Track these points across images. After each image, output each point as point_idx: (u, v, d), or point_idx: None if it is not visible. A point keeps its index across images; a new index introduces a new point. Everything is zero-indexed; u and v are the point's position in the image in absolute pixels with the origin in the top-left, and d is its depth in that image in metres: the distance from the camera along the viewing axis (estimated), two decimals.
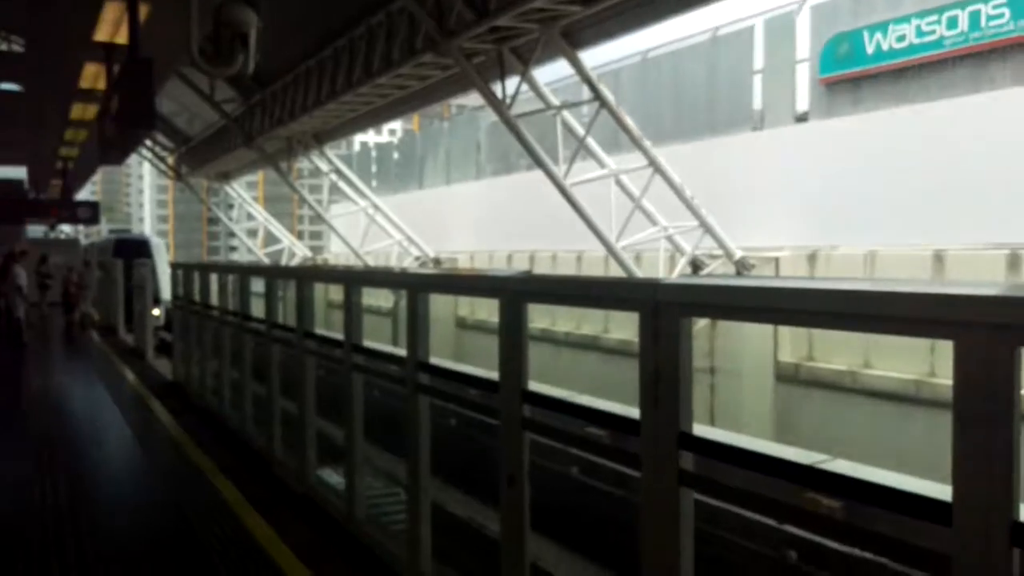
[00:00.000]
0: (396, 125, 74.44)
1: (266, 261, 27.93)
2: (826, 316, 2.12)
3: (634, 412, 2.87)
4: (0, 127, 18.60)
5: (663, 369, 2.59)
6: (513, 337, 3.37)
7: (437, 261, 23.42)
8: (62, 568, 4.88)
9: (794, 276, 14.11)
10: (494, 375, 3.54)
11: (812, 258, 14.34)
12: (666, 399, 2.59)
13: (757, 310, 2.52)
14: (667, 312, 2.58)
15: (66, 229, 36.00)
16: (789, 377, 14.16)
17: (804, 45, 16.87)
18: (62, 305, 21.41)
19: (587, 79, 12.66)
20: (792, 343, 14.23)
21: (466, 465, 6.01)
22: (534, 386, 3.36)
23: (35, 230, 30.80)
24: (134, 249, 25.56)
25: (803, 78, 16.92)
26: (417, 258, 23.41)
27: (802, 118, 16.98)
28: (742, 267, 14.10)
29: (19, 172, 27.41)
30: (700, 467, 2.63)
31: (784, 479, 2.31)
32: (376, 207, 23.43)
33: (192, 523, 5.46)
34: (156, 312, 11.45)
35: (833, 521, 2.22)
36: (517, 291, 3.35)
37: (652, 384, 2.62)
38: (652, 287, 2.63)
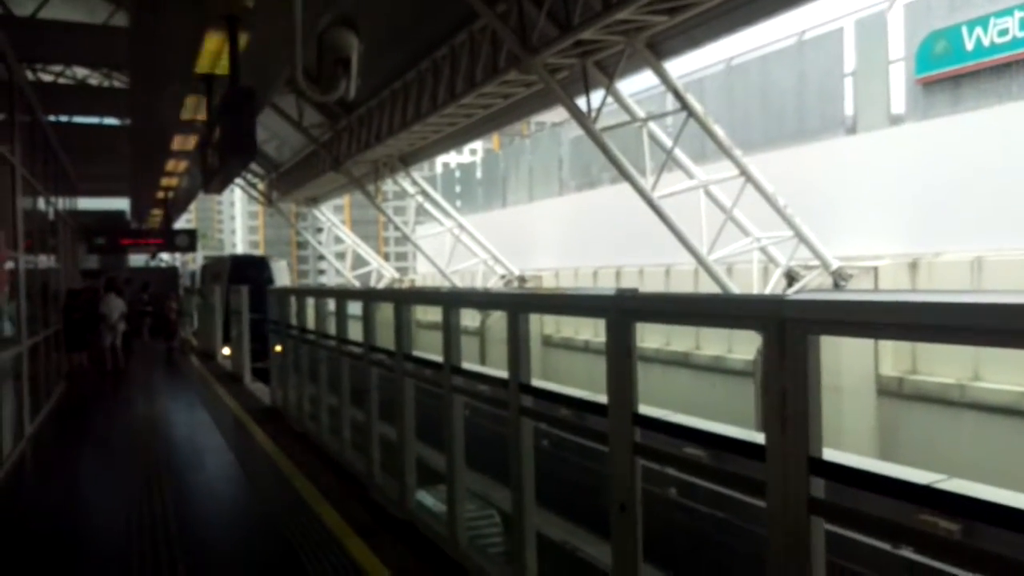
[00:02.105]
0: (477, 145, 75.30)
1: (355, 283, 28.42)
2: (987, 333, 1.95)
3: (756, 436, 2.73)
4: (106, 160, 19.47)
5: (790, 390, 2.45)
6: (621, 358, 3.26)
7: (522, 279, 23.40)
8: None
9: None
10: (601, 397, 3.44)
11: (914, 266, 13.76)
12: (795, 422, 2.44)
13: (896, 327, 2.35)
14: (794, 330, 2.44)
15: (165, 257, 37.38)
16: (892, 391, 13.59)
17: (898, 44, 16.29)
18: (162, 332, 22.14)
19: (674, 89, 12.47)
20: (894, 355, 13.66)
21: (556, 485, 5.87)
22: (645, 409, 3.24)
23: (136, 259, 32.03)
24: (252, 269, 24.16)
25: (898, 79, 16.33)
26: (502, 276, 23.44)
27: (897, 120, 16.37)
28: (839, 278, 13.63)
29: (122, 203, 28.59)
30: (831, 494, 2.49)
31: (935, 509, 2.13)
32: (461, 226, 23.59)
33: (295, 548, 5.48)
34: (279, 348, 10.95)
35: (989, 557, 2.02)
36: (625, 310, 3.24)
37: (779, 406, 2.48)
38: (777, 303, 2.49)
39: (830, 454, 2.46)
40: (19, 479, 8.21)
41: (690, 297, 4.27)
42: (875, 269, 13.82)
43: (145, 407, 12.92)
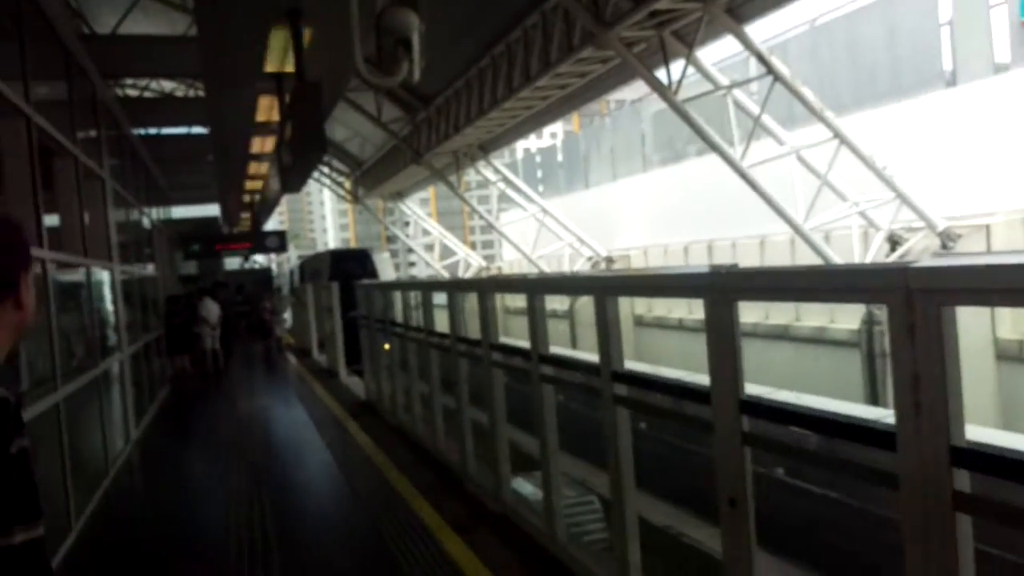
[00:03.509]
0: (556, 128, 74.78)
1: (444, 274, 28.53)
2: None
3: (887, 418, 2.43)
4: (195, 169, 19.99)
5: (924, 370, 2.14)
6: (725, 340, 2.98)
7: (610, 260, 23.03)
8: None
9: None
10: (703, 379, 3.17)
11: None
12: (931, 406, 2.13)
13: None
14: (923, 301, 2.13)
15: (259, 259, 38.34)
16: (1013, 356, 12.77)
17: None
18: (258, 331, 22.64)
19: (757, 53, 11.93)
20: (1013, 317, 12.82)
21: (655, 464, 5.59)
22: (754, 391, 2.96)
23: (231, 262, 32.90)
24: (354, 263, 22.67)
25: (1000, 24, 15.28)
26: (589, 258, 23.12)
27: (1002, 69, 15.33)
28: (947, 239, 12.87)
29: (213, 210, 29.38)
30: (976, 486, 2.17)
31: None
32: (544, 211, 23.36)
33: (389, 546, 5.38)
34: (387, 346, 10.12)
35: None
36: (726, 288, 2.96)
37: (910, 388, 2.17)
38: (901, 272, 2.18)
39: (979, 433, 2.15)
40: (126, 481, 8.41)
41: (797, 271, 3.93)
42: (987, 227, 12.99)
43: (244, 406, 13.16)
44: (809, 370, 15.89)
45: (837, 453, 2.77)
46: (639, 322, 22.73)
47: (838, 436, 2.53)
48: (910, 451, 2.19)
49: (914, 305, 2.14)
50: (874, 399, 12.88)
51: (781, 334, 16.75)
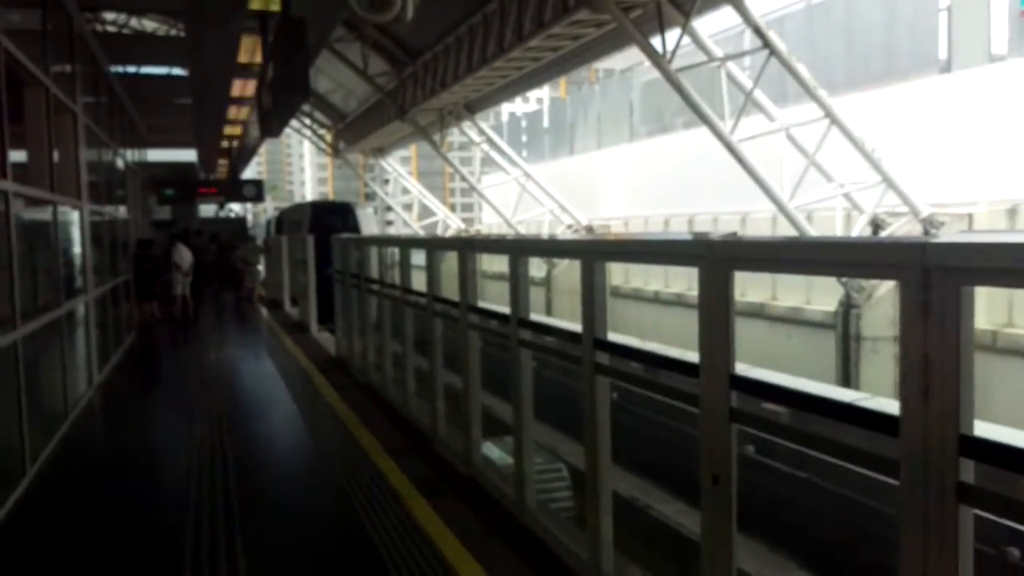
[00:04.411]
0: (543, 94, 74.17)
1: (422, 234, 28.25)
2: None
3: (888, 405, 2.30)
4: (173, 112, 19.48)
5: (935, 353, 2.01)
6: (718, 311, 2.84)
7: (590, 229, 22.88)
8: (227, 532, 4.85)
9: None
10: (692, 356, 3.03)
11: (1013, 212, 12.85)
12: (940, 391, 2.00)
13: None
14: (941, 280, 1.99)
15: (235, 208, 37.79)
16: (985, 346, 12.80)
17: None
18: (231, 281, 22.32)
19: (755, 26, 11.72)
20: (987, 308, 12.84)
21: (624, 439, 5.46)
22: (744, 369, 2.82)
23: (206, 209, 32.35)
24: (336, 217, 21.62)
25: (999, 12, 15.14)
26: (569, 226, 22.95)
27: (998, 58, 15.22)
28: (930, 225, 12.82)
29: (190, 155, 28.80)
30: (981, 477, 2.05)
31: None
32: (527, 175, 23.11)
33: (354, 506, 5.24)
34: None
35: None
36: (723, 257, 2.81)
37: (920, 372, 2.04)
38: (919, 248, 2.03)
39: (984, 429, 2.03)
40: (86, 426, 8.20)
41: (802, 242, 3.79)
42: (969, 216, 12.96)
43: (211, 355, 12.94)
44: (781, 349, 15.89)
45: (828, 436, 2.64)
46: (614, 293, 22.66)
47: (837, 418, 2.40)
48: (914, 438, 2.07)
49: (931, 283, 2.01)
50: (846, 382, 12.89)
51: (756, 312, 16.72)
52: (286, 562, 4.47)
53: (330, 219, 21.13)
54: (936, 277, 2.00)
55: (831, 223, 13.53)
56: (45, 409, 7.38)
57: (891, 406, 2.19)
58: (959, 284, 1.97)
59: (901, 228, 13.06)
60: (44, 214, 7.98)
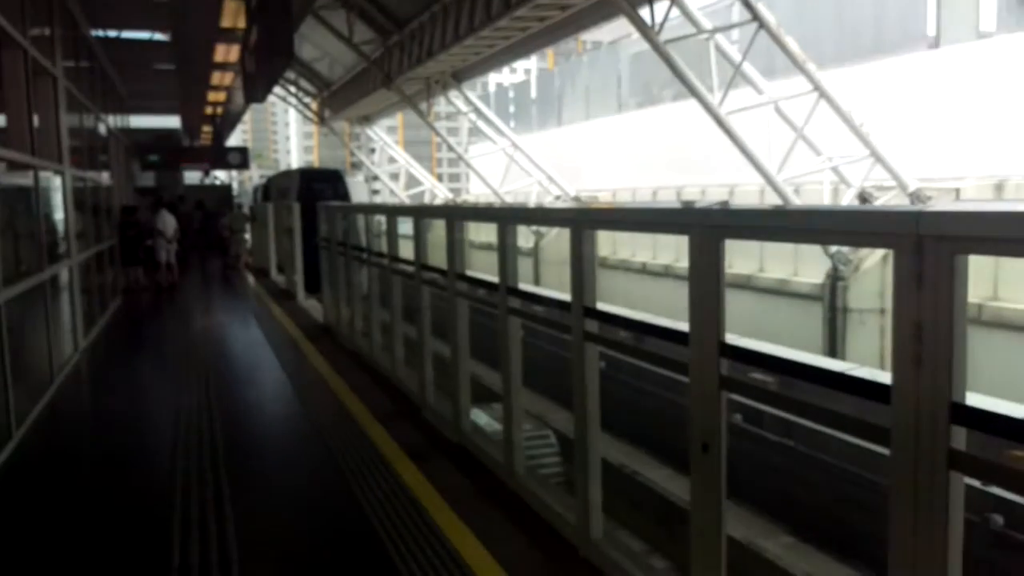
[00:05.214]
0: (530, 64, 73.70)
1: (408, 203, 28.11)
2: None
3: (881, 375, 2.32)
4: (156, 78, 19.19)
5: (928, 321, 2.02)
6: (708, 280, 2.84)
7: (577, 200, 22.86)
8: (215, 496, 4.85)
9: None
10: (682, 325, 3.03)
11: (999, 188, 12.90)
12: (933, 360, 2.02)
13: None
14: (935, 249, 1.99)
15: (220, 175, 37.43)
16: (970, 319, 12.88)
17: None
18: (216, 248, 22.18)
19: None
20: (972, 280, 12.90)
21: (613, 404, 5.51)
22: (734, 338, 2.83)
23: (191, 177, 32.05)
24: (325, 185, 21.14)
25: None
26: (557, 197, 22.91)
27: (987, 34, 15.22)
28: (917, 199, 12.87)
29: (174, 122, 28.47)
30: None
31: None
32: (515, 146, 23.01)
33: (343, 471, 5.25)
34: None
35: None
36: (714, 226, 2.81)
37: (913, 340, 2.05)
38: (913, 217, 2.04)
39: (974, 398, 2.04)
40: (72, 391, 8.17)
41: (796, 210, 3.79)
42: (957, 191, 13.02)
43: (198, 321, 12.89)
44: (768, 321, 15.97)
45: (818, 403, 2.66)
46: (602, 264, 22.67)
47: (829, 386, 2.42)
48: (906, 405, 2.08)
49: (924, 252, 2.01)
50: (832, 353, 12.99)
51: (743, 284, 16.78)
52: (274, 525, 4.49)
53: (319, 186, 20.73)
54: (930, 246, 2.01)
55: (818, 196, 13.56)
56: (30, 373, 7.33)
57: (881, 375, 2.21)
58: (953, 253, 1.98)
59: (889, 202, 13.10)
60: (25, 179, 7.88)
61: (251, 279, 18.89)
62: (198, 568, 3.84)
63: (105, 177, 14.86)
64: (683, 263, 2.98)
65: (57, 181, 9.43)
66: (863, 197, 13.18)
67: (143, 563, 3.97)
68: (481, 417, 6.30)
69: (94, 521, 4.61)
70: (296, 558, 4.07)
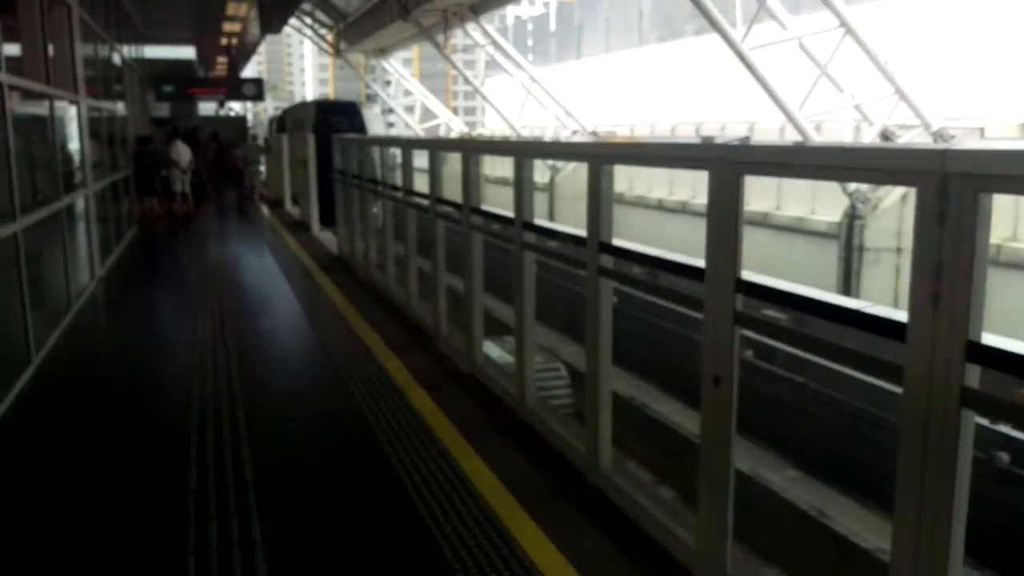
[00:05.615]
0: None
1: (423, 136, 27.89)
2: None
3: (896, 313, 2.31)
4: (171, 7, 18.93)
5: (949, 260, 1.99)
6: (727, 216, 2.81)
7: (595, 135, 22.60)
8: (231, 421, 4.93)
9: None
10: (698, 262, 3.02)
11: None
12: (951, 298, 2.00)
13: None
14: (959, 187, 1.96)
15: (235, 107, 37.21)
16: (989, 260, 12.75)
17: None
18: (231, 179, 22.15)
19: None
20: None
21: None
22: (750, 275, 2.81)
23: (206, 108, 31.86)
24: (341, 117, 20.73)
25: None
26: (574, 132, 22.65)
27: None
28: (940, 138, 12.65)
29: (189, 52, 28.17)
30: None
31: None
32: (532, 79, 22.68)
33: (357, 401, 5.32)
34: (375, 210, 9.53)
35: None
36: (733, 161, 2.77)
37: (932, 278, 2.03)
38: (939, 155, 2.00)
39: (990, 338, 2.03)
40: (89, 317, 8.27)
41: (818, 147, 3.73)
42: (981, 130, 12.77)
43: (212, 251, 12.96)
44: (783, 259, 15.87)
45: (832, 340, 2.65)
46: (618, 200, 22.51)
47: (845, 323, 2.41)
48: (922, 343, 2.07)
49: (948, 189, 1.98)
50: (847, 291, 12.95)
51: (760, 221, 16.65)
52: (288, 450, 4.56)
53: (336, 119, 20.29)
54: (954, 184, 1.97)
55: (840, 134, 13.36)
56: (49, 300, 7.41)
57: (896, 313, 2.19)
58: (977, 191, 1.94)
59: (911, 141, 12.89)
60: (41, 109, 7.85)
61: (265, 210, 18.93)
62: (214, 491, 3.92)
63: (120, 107, 14.79)
64: (699, 200, 2.95)
65: (72, 111, 9.40)
66: (885, 135, 12.96)
67: (161, 485, 4.06)
68: (493, 350, 6.34)
69: (113, 445, 4.71)
70: (310, 482, 4.15)
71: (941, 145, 2.08)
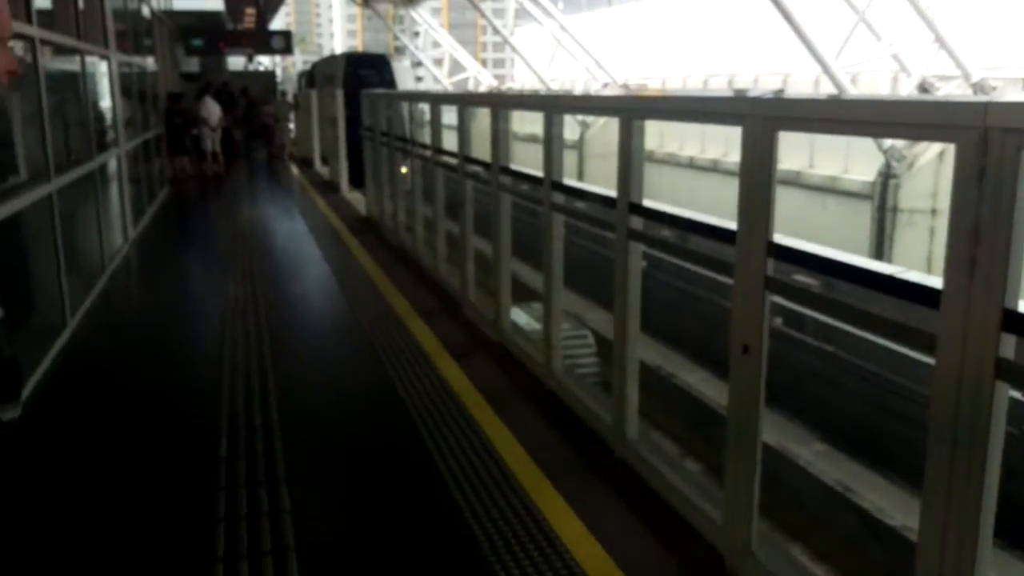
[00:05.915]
0: None
1: (452, 90, 27.65)
2: None
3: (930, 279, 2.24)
4: None
5: (987, 222, 1.92)
6: (760, 175, 2.73)
7: (626, 87, 22.26)
8: (260, 384, 4.99)
9: None
10: (729, 224, 2.95)
11: None
12: (988, 263, 1.93)
13: None
14: (1001, 144, 1.87)
15: (264, 61, 37.02)
16: None
17: None
18: (261, 136, 22.13)
19: None
20: None
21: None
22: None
23: (234, 63, 31.74)
24: (371, 71, 20.59)
25: None
26: (604, 85, 22.34)
27: None
28: (981, 90, 12.30)
29: (216, 3, 27.98)
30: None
31: None
32: (563, 28, 22.31)
33: (384, 365, 5.34)
34: (404, 170, 9.41)
35: None
36: (768, 116, 2.69)
37: (968, 242, 1.96)
38: (980, 109, 1.91)
39: None
40: (123, 281, 8.36)
41: (854, 101, 3.62)
42: None
43: (243, 211, 13.02)
44: (815, 219, 15.64)
45: (863, 307, 2.59)
46: (648, 158, 22.25)
47: (877, 289, 2.34)
48: (956, 310, 2.01)
49: (989, 146, 1.89)
50: (879, 254, 12.73)
51: (792, 180, 16.38)
52: (317, 416, 4.60)
53: (365, 72, 20.17)
54: (996, 139, 1.88)
55: (877, 86, 13.03)
56: (83, 263, 7.49)
57: (930, 279, 2.13)
58: (1021, 148, 1.86)
59: (951, 92, 12.54)
60: (72, 65, 7.85)
61: (295, 170, 18.93)
62: (244, 457, 3.96)
63: (150, 62, 14.78)
64: (731, 158, 2.87)
65: (103, 67, 9.39)
66: (924, 87, 12.63)
67: (193, 451, 4.11)
68: (521, 317, 6.32)
69: (146, 409, 4.77)
70: (338, 448, 4.18)
71: (983, 98, 2.00)
